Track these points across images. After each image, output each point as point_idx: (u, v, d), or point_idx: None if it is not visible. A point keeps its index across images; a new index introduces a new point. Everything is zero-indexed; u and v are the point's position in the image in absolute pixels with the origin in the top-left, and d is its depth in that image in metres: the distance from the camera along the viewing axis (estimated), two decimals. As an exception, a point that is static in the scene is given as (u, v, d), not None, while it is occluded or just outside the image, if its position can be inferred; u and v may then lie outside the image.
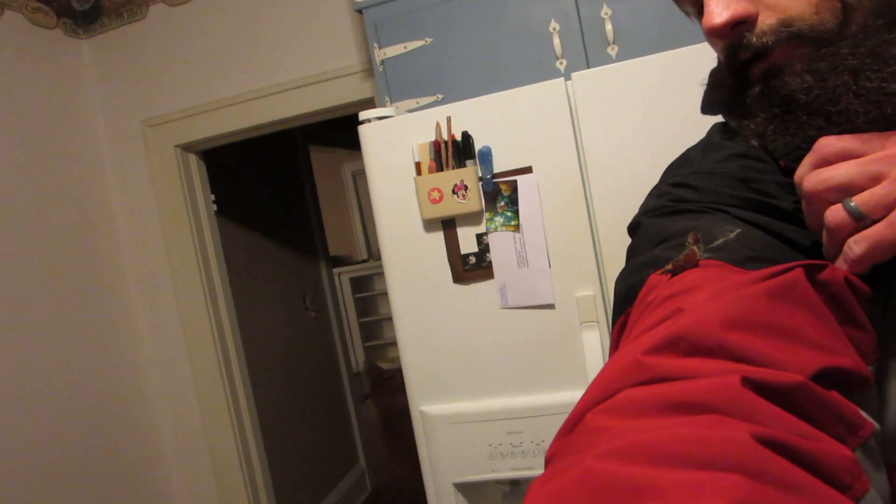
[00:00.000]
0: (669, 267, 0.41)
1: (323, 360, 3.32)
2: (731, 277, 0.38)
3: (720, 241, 0.41)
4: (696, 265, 0.40)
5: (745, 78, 0.47)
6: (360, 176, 6.37)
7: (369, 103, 2.21)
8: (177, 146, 2.32)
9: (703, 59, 1.16)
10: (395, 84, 1.85)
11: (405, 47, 1.83)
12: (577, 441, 0.30)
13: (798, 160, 0.43)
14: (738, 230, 0.42)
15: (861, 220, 0.36)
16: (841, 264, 0.37)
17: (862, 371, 0.33)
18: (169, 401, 2.43)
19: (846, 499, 0.25)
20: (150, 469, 2.36)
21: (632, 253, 0.51)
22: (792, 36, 0.43)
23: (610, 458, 0.25)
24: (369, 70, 2.13)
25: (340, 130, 4.30)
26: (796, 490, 0.23)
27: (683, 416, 0.28)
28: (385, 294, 5.73)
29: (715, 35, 0.46)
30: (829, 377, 0.31)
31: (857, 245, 0.36)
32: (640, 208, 0.54)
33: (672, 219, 0.47)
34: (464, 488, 1.35)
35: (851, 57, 0.41)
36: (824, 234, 0.39)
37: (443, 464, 1.34)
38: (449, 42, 1.78)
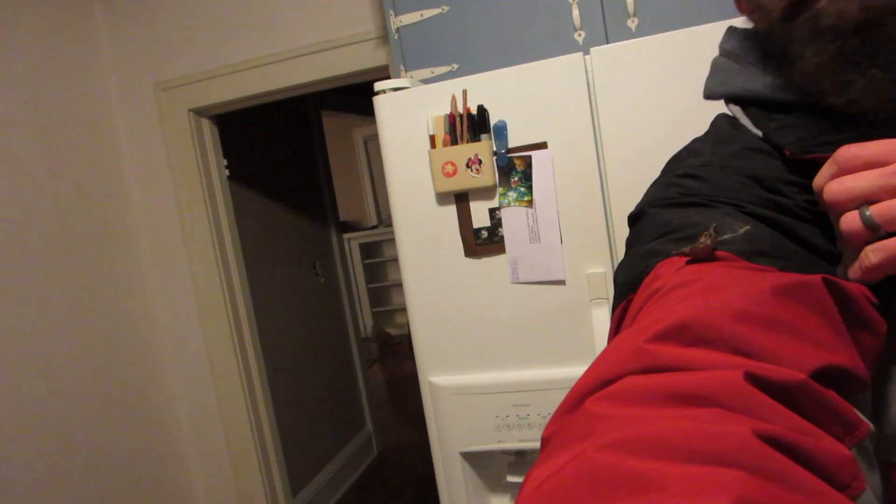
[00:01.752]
0: (687, 249, 0.41)
1: (332, 324, 3.36)
2: (740, 271, 0.39)
3: (730, 235, 0.41)
4: (710, 256, 0.41)
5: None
6: (371, 141, 6.34)
7: (384, 71, 2.19)
8: (190, 110, 2.31)
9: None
10: (411, 52, 1.83)
11: (421, 15, 1.80)
12: (577, 427, 0.30)
13: (805, 151, 0.43)
14: (748, 226, 0.42)
15: (876, 231, 0.36)
16: (856, 270, 0.38)
17: (860, 372, 0.33)
18: (181, 364, 2.48)
19: (844, 497, 0.25)
20: (163, 433, 2.42)
21: (633, 242, 0.51)
22: None
23: (611, 450, 0.25)
24: (384, 37, 2.10)
25: (353, 96, 4.27)
26: (796, 487, 0.23)
27: (685, 409, 0.28)
28: (394, 260, 5.77)
29: None
30: (827, 376, 0.31)
31: (873, 254, 0.36)
32: (644, 198, 0.54)
33: (680, 210, 0.47)
34: (470, 457, 1.38)
35: None
36: (842, 239, 0.39)
37: (450, 433, 1.37)
38: (466, 10, 1.75)
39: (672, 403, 0.28)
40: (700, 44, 1.19)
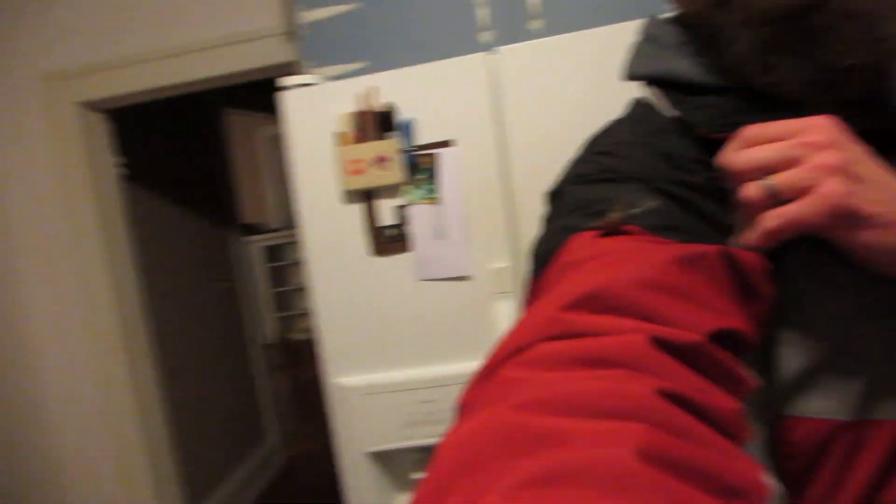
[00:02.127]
0: (599, 223, 0.43)
1: (233, 331, 3.24)
2: (646, 244, 0.41)
3: (640, 209, 0.44)
4: (619, 230, 0.43)
5: None
6: (276, 141, 6.17)
7: (290, 68, 2.14)
8: (79, 103, 2.16)
9: (630, 36, 1.21)
10: (319, 49, 1.80)
11: (331, 11, 1.78)
12: (493, 392, 0.31)
13: (715, 130, 0.46)
14: (657, 202, 0.44)
15: (775, 198, 0.39)
16: (754, 235, 0.41)
17: (749, 335, 0.37)
18: (66, 378, 2.30)
19: (733, 446, 0.27)
20: (41, 446, 2.23)
21: (550, 216, 0.53)
22: None
23: (523, 410, 0.26)
24: (292, 33, 2.06)
25: (257, 93, 4.15)
26: (693, 438, 0.25)
27: (594, 371, 0.29)
28: (298, 264, 5.62)
29: None
30: (721, 338, 0.34)
31: (771, 220, 0.39)
32: (562, 175, 0.56)
33: (593, 186, 0.49)
34: (377, 457, 1.37)
35: None
36: (742, 208, 0.42)
37: (357, 434, 1.36)
38: (377, 8, 1.75)
39: (582, 366, 0.30)
40: (604, 44, 1.25)
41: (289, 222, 6.31)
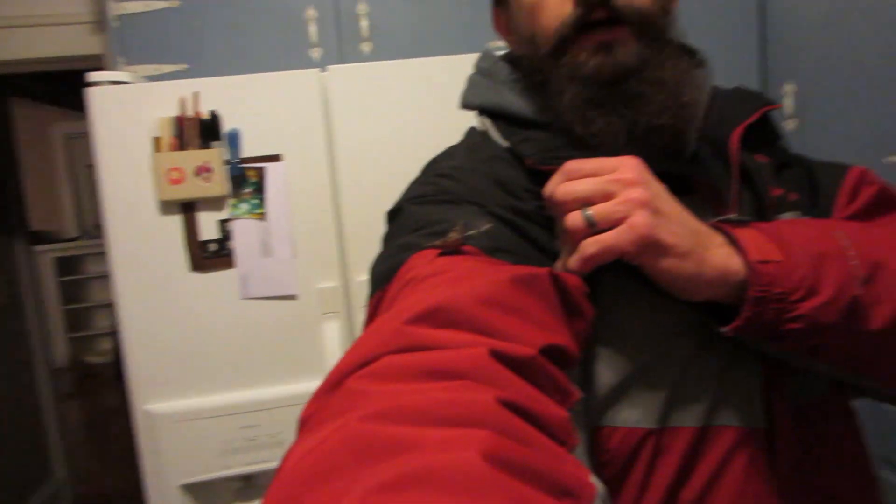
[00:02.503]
0: (439, 243, 0.46)
1: (13, 354, 2.82)
2: (483, 264, 0.44)
3: (475, 232, 0.47)
4: (458, 249, 0.46)
5: (582, 39, 0.52)
6: (74, 140, 5.53)
7: (96, 61, 1.94)
8: None
9: (453, 69, 1.26)
10: (133, 44, 1.66)
11: (148, 6, 1.65)
12: (339, 403, 0.31)
13: (542, 162, 0.52)
14: (490, 225, 0.48)
15: (593, 227, 0.44)
16: (575, 261, 0.45)
17: (573, 351, 0.40)
18: None
19: (563, 451, 0.30)
20: None
21: (389, 236, 0.55)
22: (639, 18, 0.50)
23: (372, 420, 0.27)
24: (101, 23, 1.87)
25: (53, 84, 3.69)
26: (530, 443, 0.27)
27: (438, 382, 0.31)
28: (99, 278, 5.06)
29: None
30: (549, 353, 0.37)
31: (590, 246, 0.44)
32: (403, 195, 0.58)
33: (433, 207, 0.52)
34: (192, 489, 1.27)
35: (674, 63, 0.51)
36: (565, 235, 0.46)
37: (168, 466, 1.24)
38: (200, 8, 1.65)
39: (427, 378, 0.31)
40: (429, 73, 1.30)
41: (88, 231, 5.69)
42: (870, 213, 0.57)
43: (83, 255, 5.52)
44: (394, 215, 0.57)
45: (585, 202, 0.45)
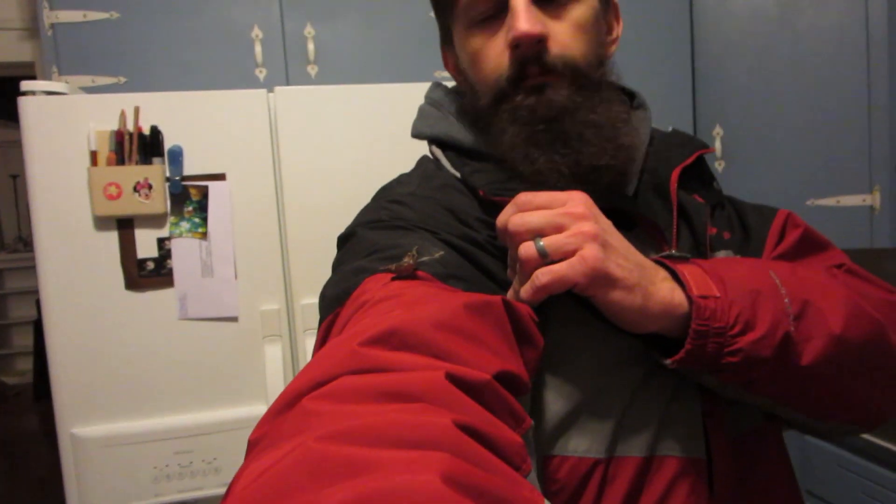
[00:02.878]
0: (393, 267, 0.46)
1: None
2: (436, 289, 0.45)
3: (428, 258, 0.47)
4: (412, 274, 0.46)
5: (519, 87, 0.55)
6: (-3, 149, 5.26)
7: (27, 69, 1.87)
8: None
9: (401, 96, 1.29)
10: (68, 54, 1.60)
11: (84, 16, 1.60)
12: (293, 424, 0.31)
13: (494, 193, 0.53)
14: (442, 252, 0.49)
15: (545, 258, 0.46)
16: (527, 290, 0.46)
17: (525, 379, 0.41)
18: None
19: (519, 476, 0.30)
20: None
21: (341, 261, 0.55)
22: (570, 68, 0.53)
23: (328, 440, 0.27)
24: (33, 30, 1.80)
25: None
26: (487, 467, 0.28)
27: (395, 404, 0.31)
28: (20, 294, 4.79)
29: (522, 40, 0.53)
30: (502, 379, 0.38)
31: (542, 276, 0.45)
32: (355, 220, 0.59)
33: (386, 232, 0.53)
34: (119, 518, 1.22)
35: (608, 107, 0.54)
36: (517, 265, 0.48)
37: (95, 493, 1.19)
38: (140, 21, 1.62)
39: (383, 399, 0.31)
40: (378, 99, 1.31)
41: (7, 245, 5.39)
42: (796, 253, 0.61)
43: (2, 270, 5.21)
44: (345, 240, 0.58)
45: (537, 233, 0.46)
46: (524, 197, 0.48)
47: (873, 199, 1.58)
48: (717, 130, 1.84)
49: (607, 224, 0.48)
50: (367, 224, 0.56)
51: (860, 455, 1.47)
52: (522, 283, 0.47)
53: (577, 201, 0.47)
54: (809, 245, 0.62)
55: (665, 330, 0.49)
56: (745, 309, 0.47)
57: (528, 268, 0.46)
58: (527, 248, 0.46)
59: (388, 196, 0.59)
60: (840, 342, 0.50)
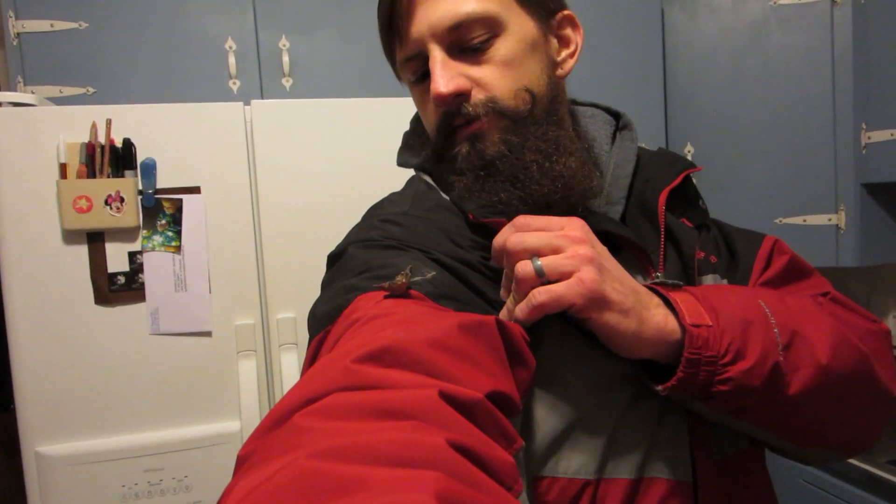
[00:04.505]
0: (386, 285, 0.46)
1: None
2: (428, 308, 0.45)
3: (420, 278, 0.48)
4: (404, 293, 0.46)
5: (453, 139, 0.57)
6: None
7: (-9, 78, 1.82)
8: None
9: (380, 110, 1.29)
10: (34, 64, 1.57)
11: (52, 25, 1.58)
12: (285, 440, 0.30)
13: (485, 216, 0.54)
14: (434, 272, 0.49)
15: (542, 277, 0.46)
16: (523, 308, 0.47)
17: (516, 399, 0.41)
18: None
19: (510, 496, 0.30)
20: None
21: (331, 279, 0.55)
22: (496, 111, 0.54)
23: (321, 458, 0.26)
24: (-2, 40, 1.76)
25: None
26: (479, 487, 0.28)
27: (388, 422, 0.31)
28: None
29: (440, 101, 0.54)
30: (494, 399, 0.38)
31: (540, 295, 0.46)
32: (346, 238, 0.59)
33: (378, 251, 0.53)
34: (85, 539, 1.18)
35: (541, 141, 0.54)
36: (513, 284, 0.48)
37: (60, 513, 1.16)
38: (109, 32, 1.60)
39: (376, 417, 0.31)
40: (354, 114, 1.32)
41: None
42: (782, 279, 0.63)
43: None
44: (336, 258, 0.57)
45: (534, 253, 0.47)
46: (522, 219, 0.49)
47: (839, 218, 1.64)
48: (689, 148, 1.89)
49: (603, 249, 0.49)
50: (359, 243, 0.56)
51: (826, 472, 1.51)
52: (517, 302, 0.48)
53: (574, 226, 0.48)
54: (795, 272, 0.64)
55: (656, 356, 0.50)
56: (735, 338, 0.48)
57: (525, 287, 0.47)
58: (524, 267, 0.47)
59: (381, 215, 0.59)
60: (826, 372, 0.51)
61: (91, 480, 1.18)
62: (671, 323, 0.49)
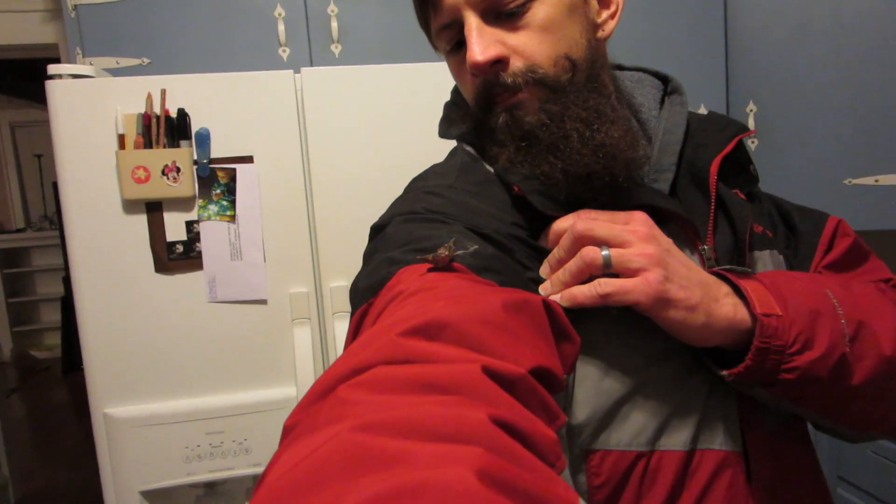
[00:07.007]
0: (430, 258, 0.46)
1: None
2: (471, 282, 0.44)
3: (463, 251, 0.47)
4: (448, 266, 0.46)
5: (492, 109, 0.55)
6: (21, 129, 5.32)
7: (52, 50, 1.87)
8: None
9: (430, 75, 1.27)
10: (91, 35, 1.60)
11: (106, -4, 1.59)
12: (329, 412, 0.30)
13: (531, 191, 0.53)
14: (476, 245, 0.48)
15: (608, 268, 0.47)
16: (585, 293, 0.47)
17: (560, 375, 0.41)
18: None
19: (553, 473, 0.30)
20: None
21: (374, 250, 0.55)
22: (535, 80, 0.52)
23: (364, 431, 0.26)
24: (57, 11, 1.80)
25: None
26: (521, 463, 0.27)
27: (430, 396, 0.30)
28: (47, 271, 4.90)
29: (476, 70, 0.53)
30: (538, 375, 0.37)
31: (607, 285, 0.46)
32: (390, 210, 0.58)
33: (422, 224, 0.52)
34: (152, 496, 1.24)
35: (581, 109, 0.52)
36: (568, 266, 0.48)
37: (128, 471, 1.21)
38: (161, 2, 1.61)
39: (420, 391, 0.31)
40: (404, 80, 1.29)
41: (34, 223, 5.48)
42: (844, 262, 0.62)
43: (30, 248, 5.31)
44: (379, 230, 0.57)
45: (603, 243, 0.48)
46: (586, 211, 0.50)
47: (915, 178, 1.54)
48: (751, 107, 1.79)
49: (668, 243, 0.49)
50: (402, 215, 0.55)
51: (895, 441, 1.46)
52: (565, 285, 0.48)
53: (639, 221, 0.49)
54: (857, 255, 0.63)
55: (724, 344, 0.50)
56: (804, 328, 0.48)
57: (585, 272, 0.47)
58: (593, 253, 0.47)
59: (425, 187, 0.58)
60: (889, 363, 0.51)
61: (156, 442, 1.22)
62: (741, 312, 0.49)
